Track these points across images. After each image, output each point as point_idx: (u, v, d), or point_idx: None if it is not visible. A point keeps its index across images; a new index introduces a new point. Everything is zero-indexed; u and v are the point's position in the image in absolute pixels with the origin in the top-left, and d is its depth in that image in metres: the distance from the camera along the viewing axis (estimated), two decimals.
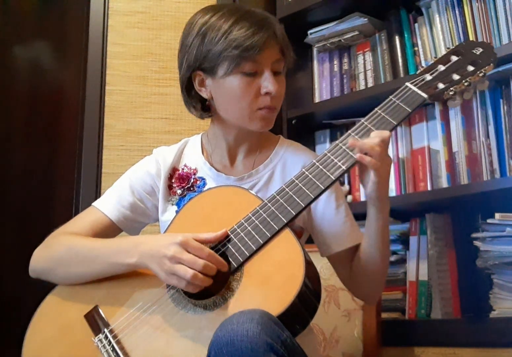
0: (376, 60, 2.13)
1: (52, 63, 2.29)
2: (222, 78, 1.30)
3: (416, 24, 2.03)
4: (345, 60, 2.23)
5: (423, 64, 1.99)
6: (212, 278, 1.17)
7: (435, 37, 1.95)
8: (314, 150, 2.22)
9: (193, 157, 1.45)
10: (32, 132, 2.20)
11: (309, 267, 1.14)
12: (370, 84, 2.12)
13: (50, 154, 2.18)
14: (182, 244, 1.16)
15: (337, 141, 1.23)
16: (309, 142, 2.22)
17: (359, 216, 1.95)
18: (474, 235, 1.73)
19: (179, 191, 1.41)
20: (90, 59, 2.14)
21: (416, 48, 2.02)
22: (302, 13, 2.22)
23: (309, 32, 2.26)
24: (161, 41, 2.19)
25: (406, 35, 2.05)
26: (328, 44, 2.23)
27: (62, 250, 1.33)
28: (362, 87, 2.15)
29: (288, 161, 1.41)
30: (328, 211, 1.37)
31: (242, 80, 1.28)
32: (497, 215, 1.68)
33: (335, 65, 2.25)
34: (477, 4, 1.85)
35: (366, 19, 2.12)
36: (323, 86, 2.26)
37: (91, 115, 2.10)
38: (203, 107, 1.41)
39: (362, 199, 2.05)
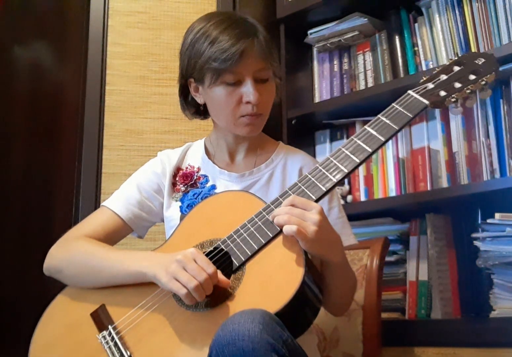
0: (376, 60, 2.13)
1: (52, 63, 2.29)
2: (209, 88, 1.37)
3: (416, 24, 2.03)
4: (345, 60, 2.23)
5: (423, 64, 1.99)
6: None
7: (435, 37, 1.95)
8: (314, 150, 2.23)
9: (196, 157, 1.51)
10: (32, 132, 2.19)
11: (310, 266, 1.16)
12: (370, 84, 2.13)
13: (50, 155, 2.18)
14: (192, 254, 1.18)
15: (340, 146, 1.26)
16: (309, 142, 2.23)
17: (359, 215, 1.98)
18: (474, 235, 1.73)
19: (182, 188, 1.46)
20: (90, 59, 2.14)
21: (416, 48, 2.02)
22: (302, 13, 2.23)
23: (309, 32, 2.26)
24: (161, 41, 2.19)
25: (406, 35, 2.05)
26: (328, 44, 2.23)
27: (76, 253, 1.36)
28: (362, 87, 2.15)
29: (289, 163, 1.46)
30: None
31: (225, 89, 1.35)
32: (497, 215, 1.68)
33: (335, 65, 2.25)
34: (477, 4, 1.85)
35: (366, 19, 2.12)
36: (323, 86, 2.26)
37: (91, 115, 2.10)
38: (197, 111, 1.49)
39: (362, 198, 2.06)
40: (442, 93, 1.28)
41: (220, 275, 1.18)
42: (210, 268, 1.16)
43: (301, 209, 1.17)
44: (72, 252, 1.36)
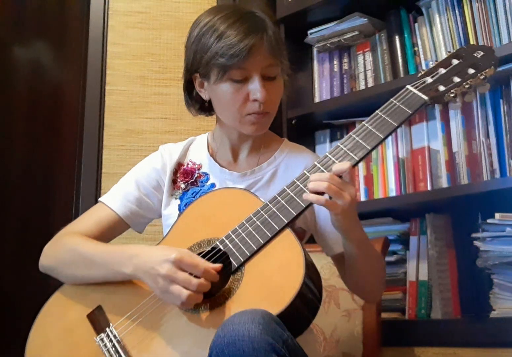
0: (376, 60, 2.13)
1: (52, 63, 2.29)
2: (215, 84, 1.33)
3: (416, 24, 2.03)
4: (345, 60, 2.23)
5: (423, 64, 1.99)
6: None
7: (435, 37, 1.95)
8: (314, 150, 2.22)
9: (198, 154, 1.48)
10: (32, 132, 2.20)
11: (310, 266, 1.15)
12: (370, 84, 2.12)
13: (50, 155, 2.18)
14: (175, 262, 1.16)
15: (338, 143, 1.24)
16: (309, 142, 2.22)
17: (359, 215, 1.96)
18: (474, 235, 1.72)
19: (182, 185, 1.44)
20: (90, 59, 2.14)
21: (416, 48, 2.02)
22: (302, 13, 2.22)
23: (309, 32, 2.26)
24: (161, 41, 2.19)
25: (406, 35, 2.05)
26: (328, 44, 2.23)
27: (65, 251, 1.34)
28: (362, 87, 2.15)
29: (292, 161, 1.43)
30: None
31: (232, 86, 1.31)
32: (497, 215, 1.67)
33: (335, 65, 2.25)
34: (477, 4, 1.85)
35: (366, 19, 2.12)
36: (323, 86, 2.26)
37: (91, 115, 2.10)
38: (201, 107, 1.45)
39: (362, 198, 2.06)
40: (441, 88, 1.26)
41: (213, 265, 1.17)
42: (199, 269, 1.15)
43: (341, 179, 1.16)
44: (63, 251, 1.35)
